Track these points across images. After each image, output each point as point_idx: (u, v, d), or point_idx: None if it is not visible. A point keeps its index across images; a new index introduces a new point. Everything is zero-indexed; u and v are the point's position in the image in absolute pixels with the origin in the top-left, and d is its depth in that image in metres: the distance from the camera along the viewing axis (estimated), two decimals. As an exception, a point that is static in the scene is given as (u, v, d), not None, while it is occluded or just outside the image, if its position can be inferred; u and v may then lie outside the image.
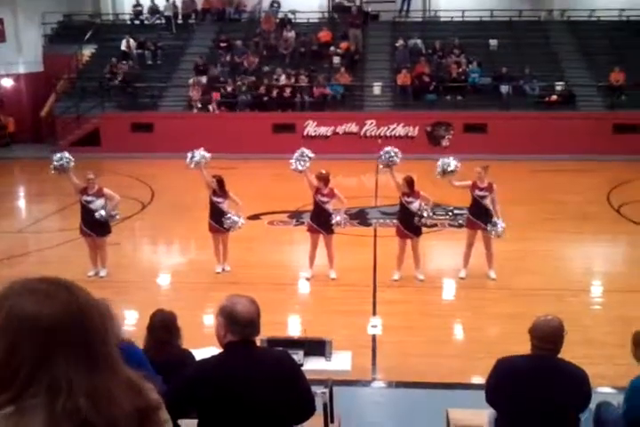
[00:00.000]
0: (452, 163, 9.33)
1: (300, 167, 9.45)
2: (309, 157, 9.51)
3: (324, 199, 9.54)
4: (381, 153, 9.58)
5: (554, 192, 15.72)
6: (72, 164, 9.68)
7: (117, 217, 10.03)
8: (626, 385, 4.27)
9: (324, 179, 9.53)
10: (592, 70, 22.08)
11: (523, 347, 4.10)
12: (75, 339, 1.47)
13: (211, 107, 21.13)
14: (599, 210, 13.93)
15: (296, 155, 9.56)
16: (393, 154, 9.50)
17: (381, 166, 9.74)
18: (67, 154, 9.76)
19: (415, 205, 9.42)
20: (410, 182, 9.38)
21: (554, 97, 21.02)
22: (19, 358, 1.43)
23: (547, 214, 13.63)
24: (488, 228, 9.38)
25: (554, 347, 3.94)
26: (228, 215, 9.67)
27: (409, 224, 9.44)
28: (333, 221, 9.45)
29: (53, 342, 1.45)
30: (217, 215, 9.78)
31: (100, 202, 9.63)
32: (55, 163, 9.62)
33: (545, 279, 9.70)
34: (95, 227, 9.69)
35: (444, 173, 9.38)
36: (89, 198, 9.59)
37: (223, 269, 10.04)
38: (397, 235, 9.57)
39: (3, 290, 1.51)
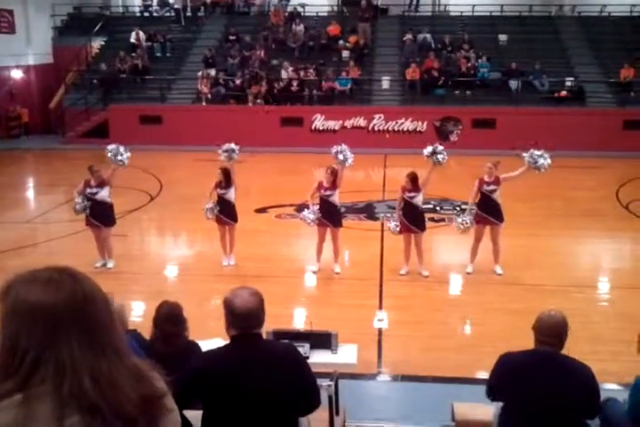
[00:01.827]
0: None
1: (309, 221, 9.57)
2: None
3: (327, 193, 9.56)
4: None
5: (563, 188, 15.67)
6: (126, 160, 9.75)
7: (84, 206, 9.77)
8: (632, 382, 4.27)
9: (334, 173, 9.57)
10: (602, 66, 21.98)
11: (528, 342, 4.10)
12: (79, 325, 1.48)
13: (254, 100, 21.04)
14: (608, 206, 13.89)
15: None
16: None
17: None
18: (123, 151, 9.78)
19: (419, 199, 9.42)
20: (414, 179, 9.37)
21: (563, 93, 20.94)
22: (24, 344, 1.45)
23: (555, 211, 13.61)
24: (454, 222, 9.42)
25: (557, 341, 3.93)
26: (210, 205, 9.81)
27: (413, 219, 9.45)
28: (306, 218, 9.48)
29: (58, 329, 1.46)
30: (222, 206, 9.82)
31: (104, 192, 9.68)
32: (118, 157, 9.66)
33: (552, 275, 9.68)
34: (100, 217, 9.73)
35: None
36: (93, 190, 9.64)
37: (228, 264, 10.06)
38: (403, 231, 9.56)
39: (10, 279, 1.53)
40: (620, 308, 8.64)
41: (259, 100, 21.09)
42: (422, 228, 9.57)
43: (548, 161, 9.20)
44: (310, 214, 9.47)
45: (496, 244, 9.62)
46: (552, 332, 3.92)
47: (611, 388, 5.75)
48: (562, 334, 3.95)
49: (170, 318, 4.69)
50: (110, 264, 9.94)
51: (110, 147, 9.76)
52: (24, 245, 11.21)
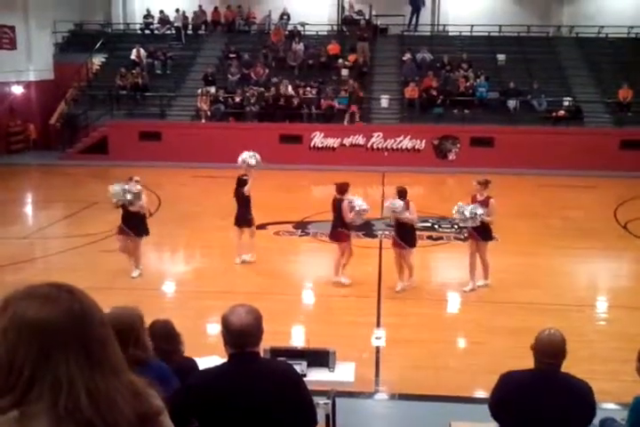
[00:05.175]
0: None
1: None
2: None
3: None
4: None
5: (560, 207, 15.70)
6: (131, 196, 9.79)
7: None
8: (630, 401, 4.24)
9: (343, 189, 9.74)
10: (600, 86, 22.13)
11: (526, 361, 4.08)
12: (76, 341, 1.48)
13: (351, 120, 21.03)
14: (606, 226, 13.89)
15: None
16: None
17: None
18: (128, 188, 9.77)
19: (406, 214, 9.40)
20: (401, 192, 9.38)
21: (561, 112, 21.04)
22: (21, 361, 1.44)
23: (552, 229, 13.60)
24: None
25: (558, 361, 3.93)
26: None
27: (402, 234, 9.46)
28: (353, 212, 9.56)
29: (55, 345, 1.45)
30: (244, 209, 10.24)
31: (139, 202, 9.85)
32: (120, 197, 9.71)
33: (550, 294, 9.66)
34: (134, 227, 9.90)
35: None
36: None
37: (243, 261, 10.35)
38: (392, 245, 9.62)
39: (6, 295, 1.52)
40: (618, 327, 8.61)
41: (359, 121, 21.08)
42: (411, 244, 9.56)
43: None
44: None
45: (483, 259, 9.69)
46: (552, 352, 3.91)
47: (608, 407, 5.71)
48: (562, 354, 3.94)
49: (164, 336, 4.66)
50: (135, 274, 10.09)
51: (117, 187, 9.74)
52: (21, 260, 11.17)
